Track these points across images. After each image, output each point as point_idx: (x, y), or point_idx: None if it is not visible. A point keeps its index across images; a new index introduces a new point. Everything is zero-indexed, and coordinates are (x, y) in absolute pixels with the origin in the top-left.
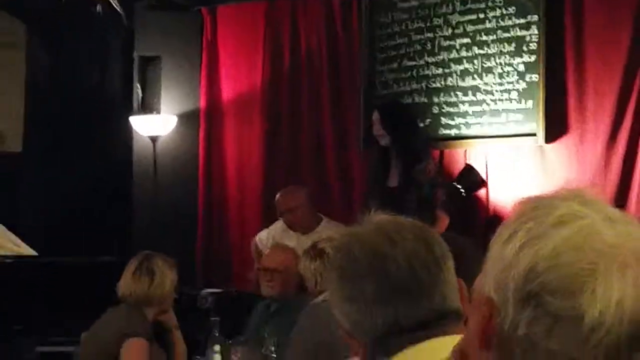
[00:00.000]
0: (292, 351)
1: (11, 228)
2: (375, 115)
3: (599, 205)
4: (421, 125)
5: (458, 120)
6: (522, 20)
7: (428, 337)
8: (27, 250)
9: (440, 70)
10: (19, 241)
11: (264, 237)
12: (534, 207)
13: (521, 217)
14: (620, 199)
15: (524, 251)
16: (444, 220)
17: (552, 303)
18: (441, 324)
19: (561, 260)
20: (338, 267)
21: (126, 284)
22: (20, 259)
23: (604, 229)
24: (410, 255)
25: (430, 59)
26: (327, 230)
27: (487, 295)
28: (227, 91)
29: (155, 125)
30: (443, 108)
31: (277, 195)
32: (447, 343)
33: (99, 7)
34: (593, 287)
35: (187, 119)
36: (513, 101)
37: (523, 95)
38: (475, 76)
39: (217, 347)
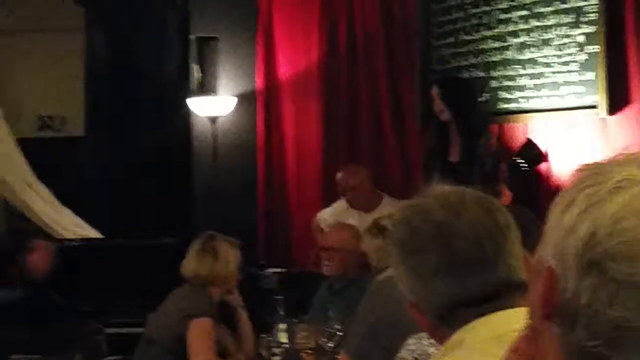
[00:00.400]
0: (356, 328)
1: (76, 211)
2: (435, 90)
3: None
4: (480, 99)
5: (517, 94)
6: None
7: (494, 310)
8: (92, 233)
9: (497, 44)
10: (84, 224)
11: (326, 216)
12: (591, 173)
13: (579, 184)
14: None
15: (583, 218)
16: (508, 195)
17: (614, 269)
18: (507, 295)
19: (622, 225)
20: (400, 241)
21: (190, 265)
22: (85, 241)
23: None
24: (474, 225)
25: (487, 33)
26: (388, 208)
27: (547, 264)
28: (284, 71)
29: (213, 107)
30: (501, 82)
31: (338, 174)
32: (514, 315)
33: None
34: None
35: (245, 99)
36: (573, 73)
37: (583, 67)
38: (534, 49)
39: (283, 326)
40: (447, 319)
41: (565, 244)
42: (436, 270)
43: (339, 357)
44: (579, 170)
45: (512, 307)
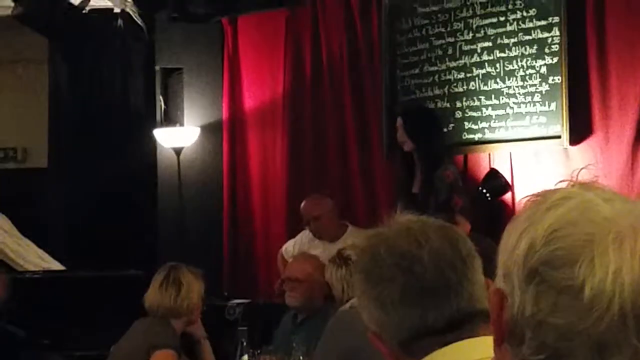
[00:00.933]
0: (319, 358)
1: (37, 243)
2: (399, 121)
3: (599, 188)
4: (444, 130)
5: (481, 124)
6: (543, 22)
7: (457, 339)
8: (54, 264)
9: (462, 75)
10: (46, 256)
11: (290, 248)
12: (535, 197)
13: (524, 209)
14: None
15: (523, 234)
16: (465, 226)
17: (553, 275)
18: (470, 324)
19: (558, 234)
20: (364, 270)
21: (153, 296)
22: (47, 273)
23: (601, 205)
24: (436, 255)
25: (452, 64)
26: (353, 238)
27: (496, 287)
28: (250, 101)
29: (178, 137)
30: (466, 112)
31: (302, 204)
32: (477, 344)
33: (119, 21)
34: (591, 257)
35: (210, 130)
36: (536, 104)
37: (546, 97)
38: (498, 80)
39: (245, 357)
40: (410, 349)
41: (510, 261)
42: (398, 300)
43: None
44: (527, 199)
45: (475, 336)
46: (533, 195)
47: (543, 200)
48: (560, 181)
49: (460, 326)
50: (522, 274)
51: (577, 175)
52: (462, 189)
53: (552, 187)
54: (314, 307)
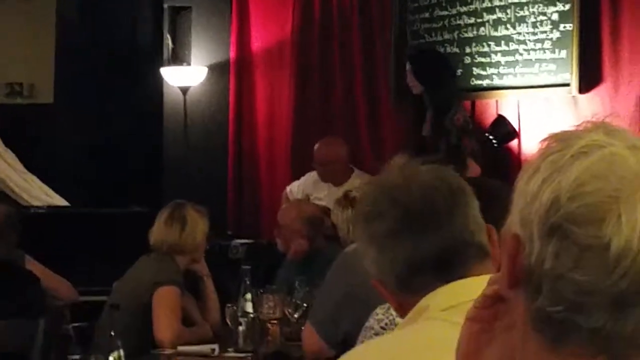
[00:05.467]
0: (322, 298)
1: (43, 179)
2: (408, 65)
3: (624, 134)
4: (454, 73)
5: (490, 70)
6: None
7: (455, 275)
8: (58, 200)
9: (472, 20)
10: (50, 191)
11: (295, 189)
12: (556, 141)
13: (544, 152)
14: None
15: (546, 184)
16: (475, 169)
17: (577, 233)
18: (465, 257)
19: (584, 189)
20: (359, 212)
21: (158, 233)
22: (53, 209)
23: (628, 157)
24: (424, 185)
25: (463, 8)
26: (358, 181)
27: (513, 232)
28: (258, 42)
29: (185, 76)
30: (475, 58)
31: (318, 146)
32: (478, 283)
33: None
34: (618, 214)
35: (218, 69)
36: (546, 51)
37: (557, 44)
38: (508, 25)
39: (248, 296)
40: (409, 287)
41: (529, 210)
42: (390, 233)
43: (304, 327)
44: (545, 139)
45: (474, 272)
46: (553, 137)
47: (566, 145)
48: (584, 122)
49: (455, 259)
50: (543, 227)
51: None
52: (472, 133)
53: (573, 128)
54: (314, 248)
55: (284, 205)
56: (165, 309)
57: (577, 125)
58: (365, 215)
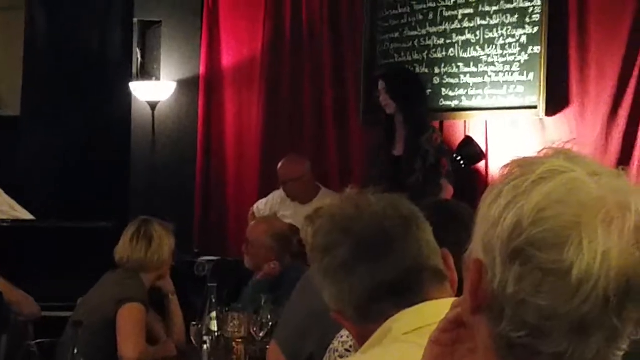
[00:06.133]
0: (287, 317)
1: (9, 192)
2: (381, 84)
3: (584, 160)
4: (425, 93)
5: (459, 91)
6: None
7: (414, 299)
8: (24, 214)
9: (441, 41)
10: (17, 205)
11: (262, 207)
12: (518, 167)
13: (506, 178)
14: None
15: (508, 209)
16: (450, 190)
17: (539, 257)
18: (422, 282)
19: (545, 214)
20: (314, 247)
21: (123, 249)
22: (17, 222)
23: (588, 182)
24: (376, 214)
25: (432, 29)
26: (325, 200)
27: (475, 257)
28: (227, 58)
29: (154, 91)
30: (444, 79)
31: (280, 164)
32: (441, 306)
33: None
34: (579, 239)
35: (187, 85)
36: (514, 73)
37: (525, 67)
38: (477, 47)
39: (214, 314)
40: (367, 316)
41: (491, 235)
42: (345, 264)
43: (269, 346)
44: (506, 166)
45: (432, 296)
46: (515, 163)
47: (528, 171)
48: (544, 148)
49: (412, 284)
50: (505, 251)
51: (559, 145)
52: (449, 153)
53: (535, 154)
54: (271, 271)
55: (253, 222)
56: (130, 327)
57: (539, 151)
58: (320, 248)
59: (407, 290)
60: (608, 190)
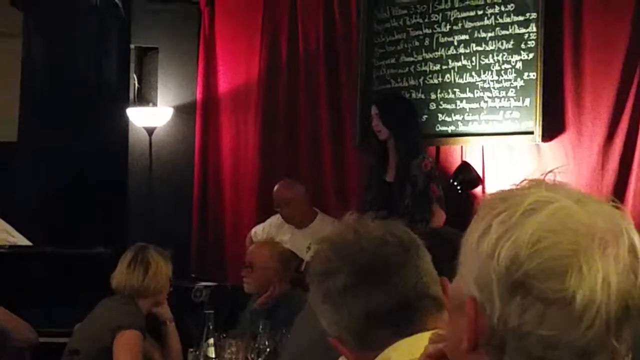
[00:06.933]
0: (290, 347)
1: (6, 218)
2: (374, 110)
3: (564, 189)
4: (419, 119)
5: (455, 117)
6: (520, 18)
7: (412, 328)
8: (21, 240)
9: (437, 67)
10: (14, 231)
11: (259, 232)
12: (502, 199)
13: (491, 210)
14: (618, 198)
15: (501, 242)
16: (441, 216)
17: (540, 288)
18: (421, 310)
19: (542, 245)
20: (313, 273)
21: (120, 276)
22: (14, 249)
23: (577, 210)
24: (375, 241)
25: (428, 55)
26: (322, 225)
27: (469, 295)
28: (224, 84)
29: (151, 117)
30: (440, 104)
31: (275, 188)
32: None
33: None
34: (579, 267)
35: (184, 111)
36: (510, 99)
37: (521, 93)
38: (473, 73)
39: (211, 341)
40: (366, 343)
41: (486, 270)
42: (344, 289)
43: None
44: (487, 198)
45: (430, 325)
46: (496, 196)
47: (513, 203)
48: (523, 180)
49: (409, 311)
50: (504, 285)
51: (541, 174)
52: (439, 179)
53: (514, 186)
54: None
55: (253, 245)
56: (127, 354)
57: (516, 185)
58: (319, 274)
59: (406, 318)
60: (597, 216)
